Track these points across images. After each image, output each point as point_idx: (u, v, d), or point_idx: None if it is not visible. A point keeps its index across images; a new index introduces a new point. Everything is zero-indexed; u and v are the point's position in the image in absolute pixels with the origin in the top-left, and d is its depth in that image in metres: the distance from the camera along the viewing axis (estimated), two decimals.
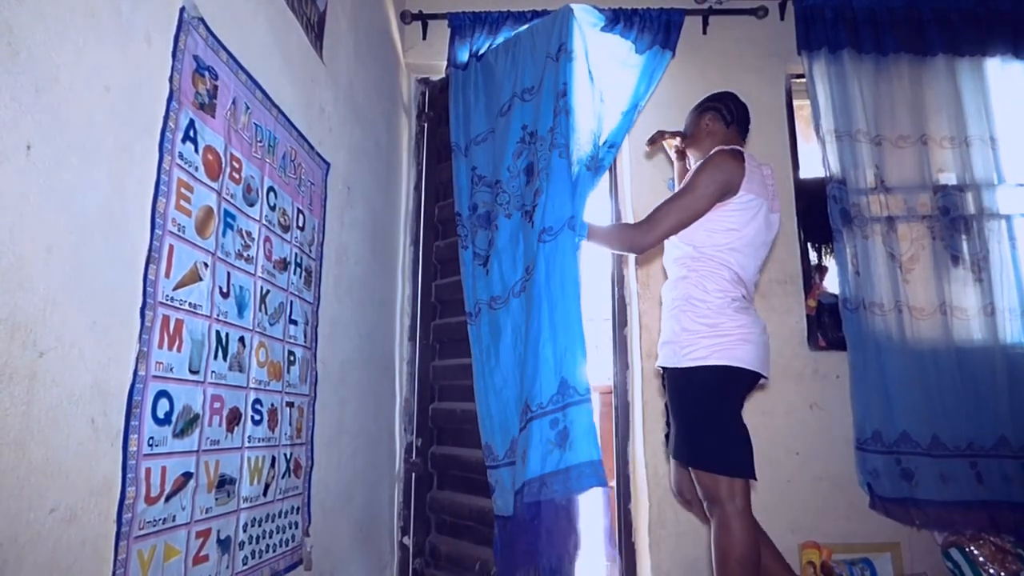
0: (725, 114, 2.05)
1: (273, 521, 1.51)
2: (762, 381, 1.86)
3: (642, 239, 1.90)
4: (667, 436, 1.99)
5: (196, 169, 1.22)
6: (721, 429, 1.76)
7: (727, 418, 1.77)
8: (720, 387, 1.78)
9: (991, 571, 2.29)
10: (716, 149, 1.90)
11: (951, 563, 2.37)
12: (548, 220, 2.05)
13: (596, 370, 3.36)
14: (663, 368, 1.92)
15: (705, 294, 1.82)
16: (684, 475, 1.93)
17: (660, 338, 1.96)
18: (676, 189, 2.07)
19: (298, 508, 1.65)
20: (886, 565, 2.48)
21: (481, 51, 2.66)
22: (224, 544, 1.30)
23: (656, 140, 2.26)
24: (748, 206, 1.84)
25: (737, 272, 1.84)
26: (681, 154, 2.24)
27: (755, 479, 1.75)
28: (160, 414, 1.09)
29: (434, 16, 2.93)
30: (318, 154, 1.86)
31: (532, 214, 2.15)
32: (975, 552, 2.33)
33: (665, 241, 1.99)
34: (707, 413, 1.78)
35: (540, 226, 2.06)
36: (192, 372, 1.19)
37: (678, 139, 2.21)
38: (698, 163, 1.92)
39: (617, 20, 2.55)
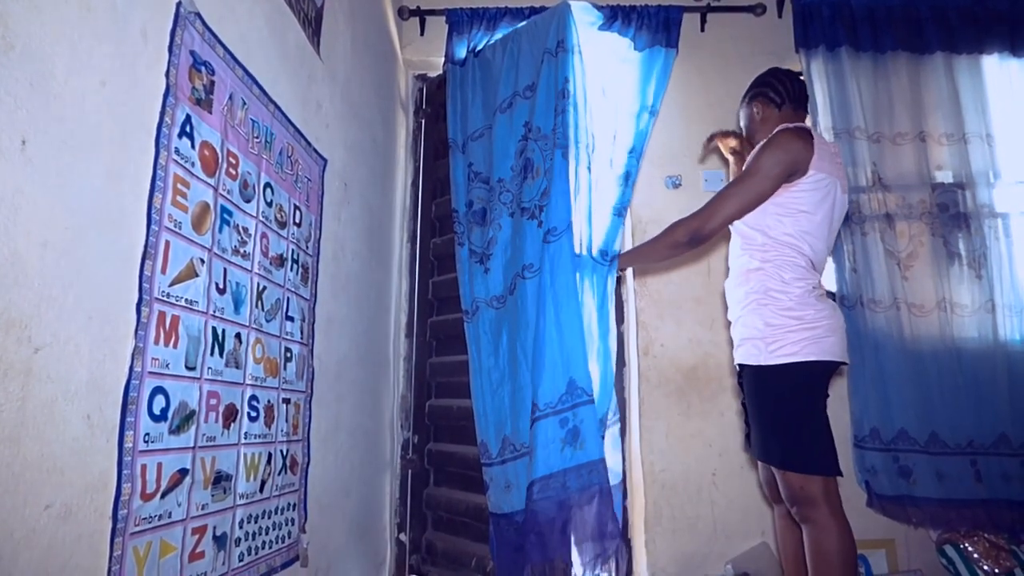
0: (772, 96, 1.93)
1: (269, 517, 1.51)
2: (842, 368, 1.77)
3: (704, 226, 1.77)
4: (747, 436, 1.89)
5: (192, 165, 1.22)
6: (812, 427, 1.68)
7: (818, 415, 1.69)
8: (812, 383, 1.70)
9: (985, 567, 2.29)
10: (780, 128, 1.79)
11: (945, 559, 2.37)
12: (554, 220, 2.07)
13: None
14: (742, 366, 1.83)
15: (784, 285, 1.71)
16: (772, 474, 1.82)
17: (735, 334, 1.86)
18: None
19: (294, 504, 1.65)
20: (881, 562, 2.48)
21: (479, 47, 2.66)
22: (220, 540, 1.30)
23: (710, 141, 2.21)
24: (819, 186, 1.73)
25: (811, 258, 1.74)
26: (737, 155, 2.15)
27: (842, 475, 1.68)
28: (156, 410, 1.09)
29: (432, 12, 2.92)
30: (315, 150, 1.86)
31: (535, 213, 2.16)
32: (969, 548, 2.34)
33: (732, 237, 1.93)
34: (799, 411, 1.69)
35: (547, 226, 2.07)
36: (188, 368, 1.19)
37: (732, 139, 2.13)
38: (763, 143, 1.79)
39: (615, 17, 2.54)
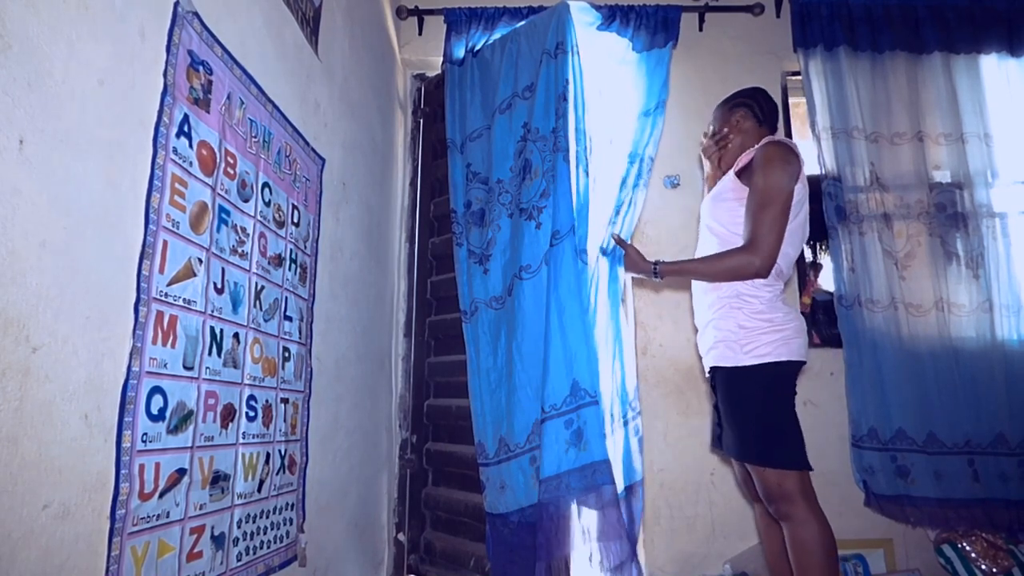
0: (757, 112, 1.99)
1: (268, 517, 1.51)
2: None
3: (764, 264, 1.74)
4: (717, 436, 1.93)
5: (190, 164, 1.21)
6: (785, 424, 1.73)
7: (790, 412, 1.75)
8: (782, 382, 1.76)
9: (983, 567, 2.30)
10: (767, 140, 1.84)
11: (944, 559, 2.38)
12: (556, 223, 2.07)
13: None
14: (715, 368, 1.86)
15: (755, 289, 1.78)
16: (748, 472, 1.85)
17: (706, 338, 1.90)
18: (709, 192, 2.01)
19: (293, 504, 1.65)
20: (879, 561, 2.49)
21: (477, 47, 2.66)
22: (218, 540, 1.29)
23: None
24: (801, 199, 1.80)
25: (781, 265, 1.79)
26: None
27: (812, 469, 1.71)
28: (154, 410, 1.09)
29: (430, 11, 2.92)
30: (313, 150, 1.86)
31: (533, 214, 2.16)
32: (967, 548, 2.35)
33: (702, 237, 1.98)
34: (773, 409, 1.74)
35: (549, 229, 2.08)
36: (186, 368, 1.19)
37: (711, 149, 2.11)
38: (760, 160, 1.79)
39: (613, 17, 2.54)
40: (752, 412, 1.76)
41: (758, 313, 1.76)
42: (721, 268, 1.83)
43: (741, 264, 1.77)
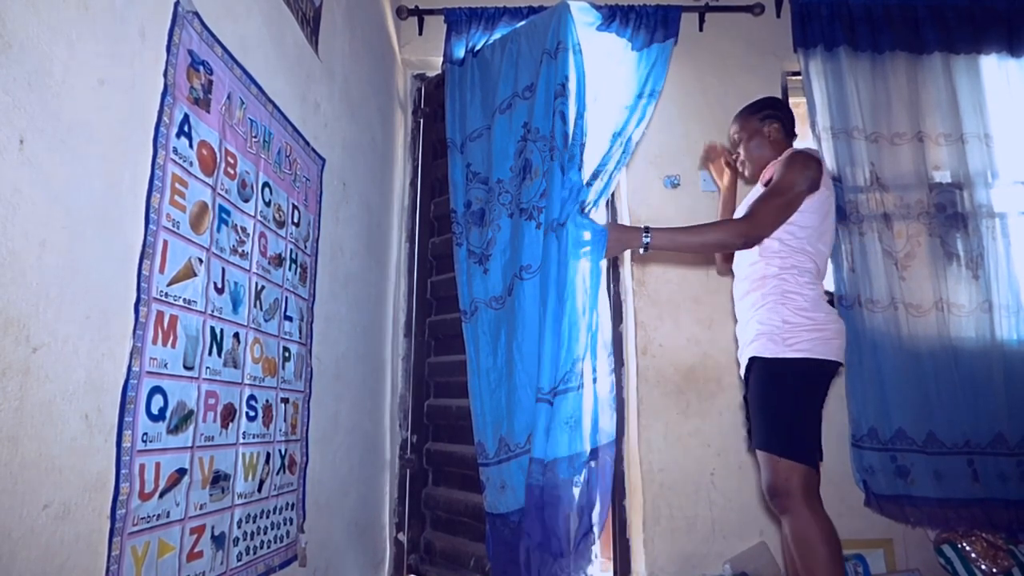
0: (787, 125, 2.11)
1: (268, 517, 1.51)
2: (840, 368, 1.89)
3: (757, 232, 1.86)
4: (750, 432, 1.97)
5: (190, 164, 1.21)
6: (810, 420, 1.79)
7: (816, 411, 1.80)
8: (819, 381, 1.82)
9: (983, 567, 2.30)
10: (793, 150, 1.96)
11: (944, 559, 2.38)
12: (550, 223, 2.08)
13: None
14: (752, 359, 1.89)
15: (800, 287, 1.84)
16: None
17: (747, 333, 1.94)
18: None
19: (293, 504, 1.65)
20: (879, 561, 2.49)
21: (477, 47, 2.66)
22: (218, 540, 1.29)
23: (713, 158, 2.36)
24: (828, 202, 1.90)
25: (817, 264, 1.88)
26: (731, 169, 2.31)
27: (818, 469, 1.77)
28: (154, 410, 1.09)
29: (430, 11, 2.92)
30: (313, 149, 1.86)
31: (533, 214, 2.16)
32: (967, 548, 2.35)
33: (745, 252, 2.03)
34: (802, 404, 1.79)
35: (545, 225, 2.08)
36: (186, 368, 1.19)
37: (723, 158, 2.31)
38: (782, 162, 1.92)
39: (613, 17, 2.54)
40: (782, 403, 1.80)
41: (802, 310, 1.82)
42: (711, 237, 1.92)
43: (732, 234, 1.89)
